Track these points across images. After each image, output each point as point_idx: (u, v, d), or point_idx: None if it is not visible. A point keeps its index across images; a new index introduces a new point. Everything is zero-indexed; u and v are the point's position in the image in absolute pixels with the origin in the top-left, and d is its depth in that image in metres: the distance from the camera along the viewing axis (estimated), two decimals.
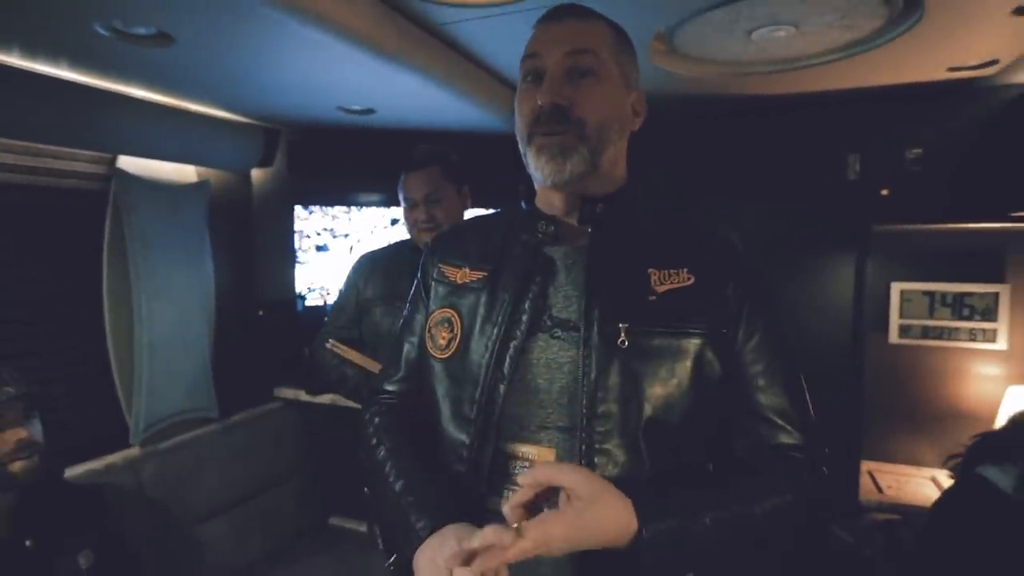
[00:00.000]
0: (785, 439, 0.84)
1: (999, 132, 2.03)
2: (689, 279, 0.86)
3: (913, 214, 2.23)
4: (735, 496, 0.78)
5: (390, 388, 1.04)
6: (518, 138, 0.91)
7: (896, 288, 2.56)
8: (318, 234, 2.63)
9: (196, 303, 2.25)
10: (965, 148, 2.11)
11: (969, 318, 2.46)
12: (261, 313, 2.66)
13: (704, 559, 0.76)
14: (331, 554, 2.34)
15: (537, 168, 0.87)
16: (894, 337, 2.56)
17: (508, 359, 0.86)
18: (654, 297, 0.85)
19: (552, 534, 0.66)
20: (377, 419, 1.00)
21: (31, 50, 1.51)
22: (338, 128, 2.43)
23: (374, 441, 0.97)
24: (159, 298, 2.10)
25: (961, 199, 2.12)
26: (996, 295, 2.42)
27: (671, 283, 0.86)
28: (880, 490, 2.34)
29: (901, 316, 2.55)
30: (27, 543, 1.34)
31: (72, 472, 1.80)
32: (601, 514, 0.69)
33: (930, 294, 2.51)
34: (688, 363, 0.83)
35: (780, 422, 0.85)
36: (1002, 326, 2.42)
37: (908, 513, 2.17)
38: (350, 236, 2.68)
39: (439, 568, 0.71)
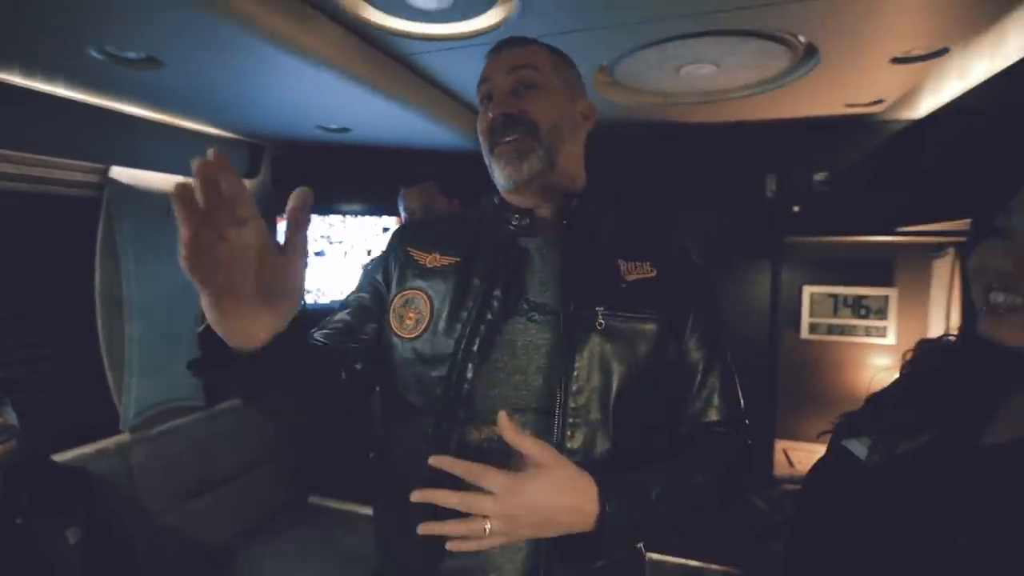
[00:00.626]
0: (716, 416, 0.88)
1: (887, 160, 2.17)
2: (652, 272, 0.87)
3: (820, 228, 2.34)
4: (676, 471, 0.80)
5: (318, 336, 0.89)
6: (484, 155, 0.92)
7: (807, 291, 2.69)
8: (315, 240, 2.60)
9: (182, 300, 2.22)
10: (862, 172, 2.23)
11: (865, 317, 2.60)
12: None
13: (653, 528, 0.79)
14: (309, 529, 2.35)
15: (499, 173, 0.88)
16: (805, 333, 2.69)
17: (478, 341, 0.83)
18: (624, 285, 0.86)
19: (518, 503, 0.66)
20: None
21: (30, 70, 1.49)
22: (318, 144, 2.44)
23: None
24: (147, 296, 2.08)
25: (859, 215, 2.25)
26: (887, 297, 2.57)
27: (637, 273, 0.87)
28: (792, 464, 2.46)
29: (810, 315, 2.69)
30: (17, 521, 1.33)
31: (64, 456, 1.77)
32: (563, 482, 0.69)
33: (834, 296, 2.65)
34: (651, 345, 0.84)
35: (715, 402, 0.88)
36: (891, 323, 2.57)
37: None
38: (344, 243, 2.66)
39: None
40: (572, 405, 0.80)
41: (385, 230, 2.67)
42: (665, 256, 0.90)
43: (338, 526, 2.37)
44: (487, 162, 0.91)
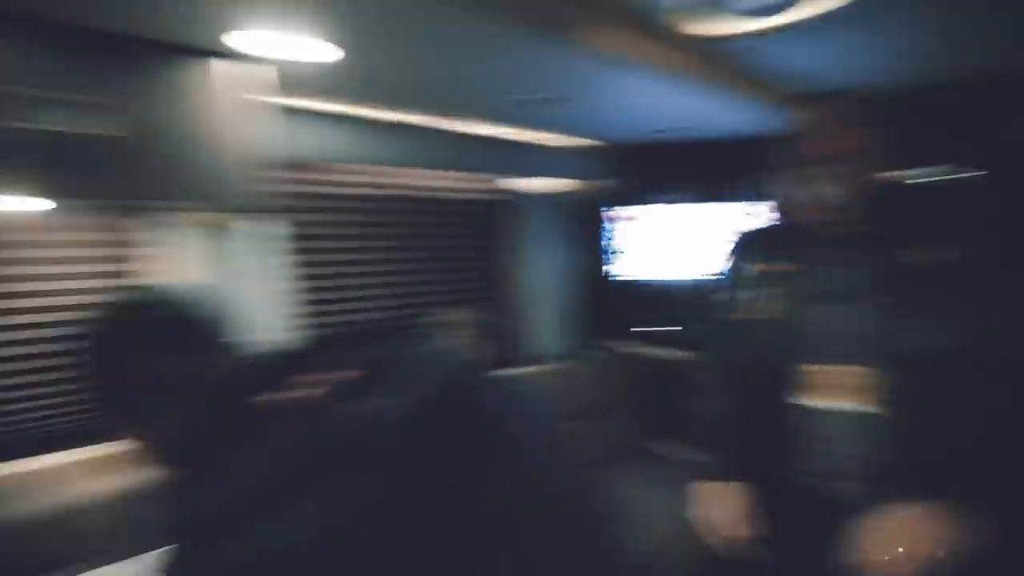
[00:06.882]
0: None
1: None
2: (943, 253, 1.01)
3: None
4: None
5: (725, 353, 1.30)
6: (791, 178, 1.14)
7: None
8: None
9: (558, 275, 2.84)
10: None
11: None
12: (598, 286, 3.04)
13: None
14: (646, 471, 2.56)
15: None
16: None
17: (808, 321, 1.10)
18: (916, 270, 1.02)
19: None
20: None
21: (463, 115, 2.13)
22: (654, 144, 2.70)
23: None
24: (537, 273, 2.75)
25: None
26: None
27: (928, 258, 1.02)
28: None
29: None
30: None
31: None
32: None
33: None
34: (956, 319, 0.99)
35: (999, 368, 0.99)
36: None
37: None
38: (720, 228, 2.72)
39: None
40: (883, 363, 1.02)
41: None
42: (951, 229, 1.06)
43: (669, 471, 2.44)
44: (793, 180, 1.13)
